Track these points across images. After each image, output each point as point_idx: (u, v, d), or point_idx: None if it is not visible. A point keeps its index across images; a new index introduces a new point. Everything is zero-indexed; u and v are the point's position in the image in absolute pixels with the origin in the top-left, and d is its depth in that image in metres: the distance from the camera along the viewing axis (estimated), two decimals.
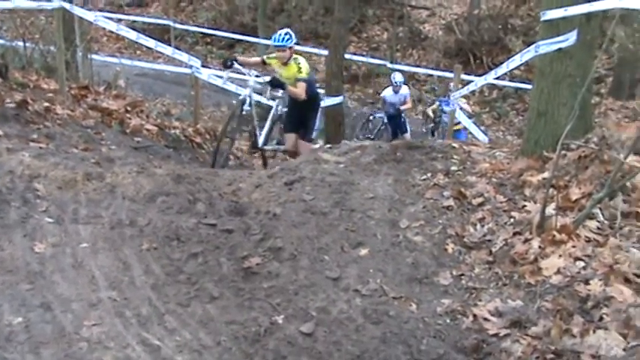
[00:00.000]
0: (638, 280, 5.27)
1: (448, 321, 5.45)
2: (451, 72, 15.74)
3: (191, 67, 13.50)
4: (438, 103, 19.56)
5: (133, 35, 12.62)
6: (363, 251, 6.27)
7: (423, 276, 5.99)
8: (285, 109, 12.27)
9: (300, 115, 11.81)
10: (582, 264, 5.58)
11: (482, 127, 20.85)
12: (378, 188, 7.30)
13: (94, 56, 17.50)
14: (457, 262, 6.15)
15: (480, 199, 6.95)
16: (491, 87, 25.01)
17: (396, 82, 19.35)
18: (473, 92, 21.13)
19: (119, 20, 24.49)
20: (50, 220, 6.51)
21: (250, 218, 6.78)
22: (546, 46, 7.34)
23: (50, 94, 10.87)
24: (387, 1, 30.18)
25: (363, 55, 26.91)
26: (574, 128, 6.34)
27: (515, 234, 6.24)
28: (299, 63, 11.28)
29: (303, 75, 11.24)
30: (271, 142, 12.31)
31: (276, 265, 6.03)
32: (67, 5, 11.49)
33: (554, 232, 5.91)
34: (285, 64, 11.38)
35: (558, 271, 5.57)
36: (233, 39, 26.28)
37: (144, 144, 10.51)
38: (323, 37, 27.60)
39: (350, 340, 5.19)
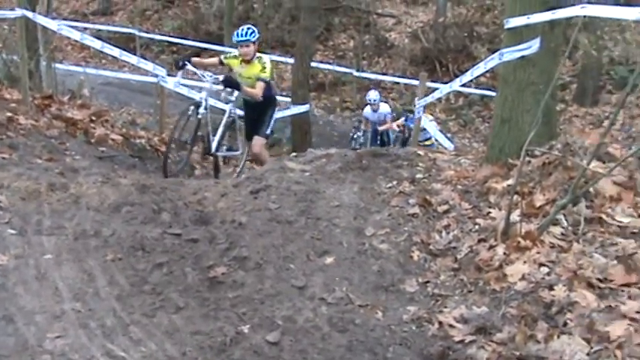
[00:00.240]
0: (601, 285, 5.30)
1: (414, 328, 5.46)
2: (417, 80, 15.78)
3: (157, 75, 13.46)
4: (403, 118, 19.06)
5: (97, 44, 12.57)
6: (329, 259, 6.27)
7: (389, 284, 6.00)
8: (240, 114, 12.03)
9: (256, 117, 11.53)
10: (546, 270, 5.61)
11: (449, 135, 20.92)
12: (344, 196, 7.31)
13: (59, 65, 17.41)
14: (423, 270, 6.17)
15: (445, 207, 6.98)
16: (457, 94, 25.11)
17: (370, 100, 19.13)
18: (439, 100, 21.20)
19: (84, 29, 24.40)
20: (13, 231, 6.46)
21: (215, 227, 6.76)
22: (510, 54, 7.39)
23: (13, 104, 10.80)
24: (353, 10, 30.23)
25: (329, 64, 26.95)
26: (539, 135, 6.38)
27: (480, 241, 6.27)
28: (264, 62, 10.91)
29: (266, 75, 10.90)
30: (222, 149, 11.78)
31: (241, 275, 6.02)
32: (29, 14, 11.42)
33: (519, 239, 5.94)
34: (249, 62, 10.96)
35: (523, 277, 5.59)
36: (199, 47, 26.18)
37: (109, 154, 10.46)
38: (289, 45, 27.57)
39: (316, 348, 5.19)
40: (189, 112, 10.69)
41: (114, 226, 6.64)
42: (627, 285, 5.27)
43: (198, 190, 7.81)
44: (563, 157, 6.68)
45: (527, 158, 6.79)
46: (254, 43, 10.92)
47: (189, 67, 11.11)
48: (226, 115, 11.59)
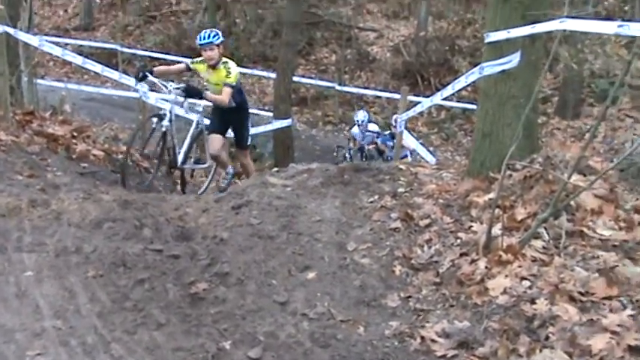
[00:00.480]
0: (583, 299, 5.31)
1: (396, 343, 5.44)
2: (399, 93, 15.73)
3: (138, 91, 13.44)
4: (380, 140, 18.66)
5: (79, 60, 12.53)
6: (311, 275, 6.26)
7: (371, 298, 5.99)
8: (207, 124, 11.51)
9: (226, 122, 11.19)
10: (528, 283, 5.61)
11: (431, 148, 20.96)
12: (326, 211, 7.30)
13: (40, 81, 17.36)
14: (404, 284, 6.16)
15: (426, 221, 6.97)
16: (440, 108, 25.19)
17: (358, 121, 18.77)
18: (421, 113, 21.22)
19: (66, 45, 24.36)
20: None
21: (197, 243, 6.75)
22: (490, 68, 7.41)
23: None
24: (334, 24, 30.32)
25: (311, 78, 27.00)
26: (520, 148, 6.41)
27: (461, 255, 6.27)
28: (229, 67, 10.49)
29: (231, 81, 10.43)
30: (189, 162, 11.38)
31: (223, 290, 6.00)
32: (11, 30, 11.38)
33: (501, 253, 5.94)
34: (214, 67, 10.56)
35: (505, 291, 5.59)
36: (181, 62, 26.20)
37: (90, 170, 10.40)
38: (271, 60, 27.61)
39: None
40: (153, 125, 10.45)
41: (95, 242, 6.61)
42: (609, 298, 5.29)
43: (179, 205, 7.80)
44: (544, 170, 6.70)
45: (509, 172, 6.81)
46: (218, 46, 10.53)
47: (150, 78, 10.70)
48: (193, 125, 11.32)
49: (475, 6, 30.00)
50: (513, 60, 7.23)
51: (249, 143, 11.69)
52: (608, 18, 21.75)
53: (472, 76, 8.69)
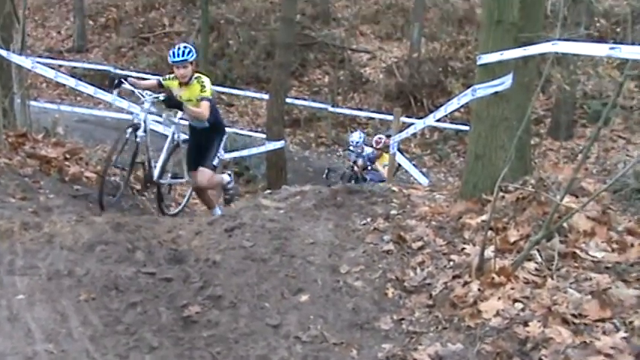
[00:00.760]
0: (576, 321, 5.31)
1: None
2: (392, 115, 15.64)
3: (132, 113, 13.42)
4: (361, 159, 18.04)
5: (71, 82, 12.57)
6: (304, 297, 6.25)
7: (364, 321, 5.98)
8: (185, 138, 10.96)
9: (202, 145, 10.58)
10: (521, 306, 5.61)
11: (424, 169, 20.98)
12: (319, 233, 7.29)
13: (33, 103, 17.32)
14: (397, 307, 6.15)
15: (419, 243, 6.96)
16: (433, 129, 25.23)
17: (353, 142, 18.38)
18: (414, 135, 21.25)
19: (59, 66, 24.38)
20: None
21: (190, 266, 6.73)
22: (483, 90, 7.43)
23: None
24: (327, 45, 30.36)
25: (304, 99, 27.02)
26: (513, 170, 6.43)
27: (454, 277, 6.26)
28: (202, 82, 9.98)
29: (207, 94, 9.95)
30: (166, 176, 10.81)
31: (215, 314, 6.00)
32: (3, 53, 11.40)
33: (493, 275, 5.94)
34: (187, 83, 10.02)
35: (497, 314, 5.59)
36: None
37: (83, 192, 10.38)
38: (264, 81, 27.64)
39: None
40: (127, 135, 9.93)
41: (88, 265, 6.60)
42: (602, 320, 5.29)
43: (172, 228, 7.77)
44: (537, 192, 6.71)
45: (501, 194, 6.82)
46: (191, 63, 10.02)
47: (125, 85, 10.30)
48: (169, 138, 10.77)
49: (468, 28, 30.08)
50: (506, 82, 7.24)
51: (215, 164, 10.79)
52: (600, 40, 21.89)
53: (465, 98, 8.71)
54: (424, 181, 13.65)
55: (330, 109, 25.31)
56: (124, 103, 13.05)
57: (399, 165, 14.89)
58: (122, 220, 7.74)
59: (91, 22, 34.14)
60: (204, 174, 10.53)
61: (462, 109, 14.93)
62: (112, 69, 25.25)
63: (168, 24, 32.86)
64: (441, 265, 6.55)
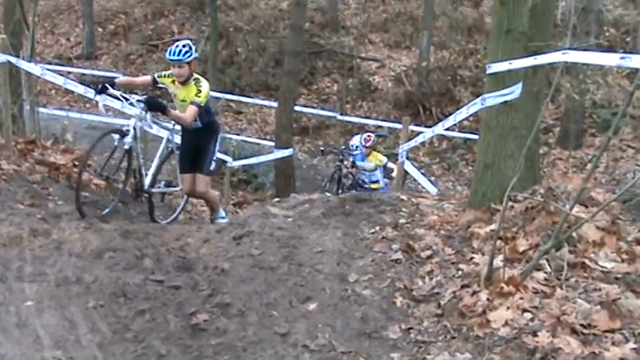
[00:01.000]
0: (585, 331, 5.29)
1: None
2: (401, 123, 15.55)
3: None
4: (351, 158, 17.32)
5: (80, 89, 12.55)
6: (312, 306, 6.24)
7: (372, 330, 5.97)
8: (178, 144, 10.27)
9: (195, 149, 9.89)
10: (530, 316, 5.60)
11: (432, 178, 20.95)
12: (327, 242, 7.28)
13: (42, 109, 17.36)
14: (406, 316, 6.14)
15: (428, 252, 6.95)
16: (441, 138, 25.18)
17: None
18: (422, 143, 21.22)
19: (68, 73, 24.39)
20: None
21: (198, 274, 6.73)
22: (492, 99, 7.41)
23: None
24: (336, 54, 30.35)
25: (313, 107, 27.00)
26: (522, 179, 6.40)
27: (463, 286, 6.24)
28: (200, 85, 9.29)
29: (200, 100, 9.21)
30: (159, 185, 10.30)
31: (224, 322, 6.00)
32: (13, 59, 11.41)
33: (502, 284, 5.92)
34: (184, 83, 9.36)
35: (506, 323, 5.57)
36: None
37: (92, 199, 10.37)
38: (273, 89, 27.65)
39: None
40: (115, 143, 9.34)
41: (96, 272, 6.60)
42: (611, 331, 5.28)
43: (180, 235, 7.77)
44: (546, 202, 6.70)
45: (510, 203, 6.80)
46: (189, 63, 9.27)
47: (110, 90, 9.47)
48: (163, 144, 10.28)
49: (477, 36, 30.04)
50: (515, 91, 7.23)
51: (212, 169, 10.18)
52: (609, 49, 21.85)
53: (474, 107, 8.68)
54: (433, 189, 13.60)
55: (339, 117, 25.24)
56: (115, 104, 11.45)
57: (407, 173, 14.81)
58: (130, 228, 7.76)
59: (100, 29, 34.22)
60: (200, 181, 9.98)
61: (470, 118, 14.93)
62: (121, 76, 25.23)
63: (177, 31, 32.84)
64: (449, 274, 6.54)
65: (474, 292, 6.07)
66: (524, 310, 5.66)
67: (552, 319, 5.45)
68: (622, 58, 6.24)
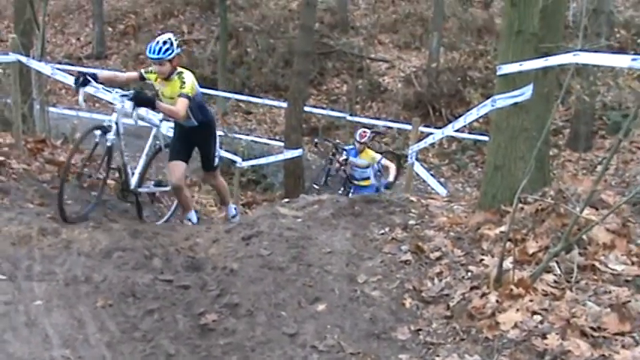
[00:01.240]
0: (595, 334, 5.27)
1: None
2: (410, 124, 15.50)
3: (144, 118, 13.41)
4: (345, 154, 16.92)
5: (90, 89, 12.55)
6: (321, 307, 6.23)
7: (381, 331, 5.95)
8: (167, 141, 10.11)
9: (189, 143, 9.68)
10: (539, 318, 5.58)
11: (442, 180, 20.92)
12: (336, 243, 7.27)
13: (52, 109, 17.41)
14: (415, 317, 6.12)
15: (437, 253, 6.94)
16: (451, 139, 25.11)
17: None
18: (432, 144, 21.19)
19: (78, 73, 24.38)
20: (3, 277, 6.43)
21: (207, 274, 6.74)
22: (502, 101, 7.39)
23: (5, 148, 10.74)
24: (346, 54, 30.34)
25: (322, 108, 26.97)
26: (532, 181, 6.39)
27: (472, 288, 6.23)
28: (183, 78, 8.93)
29: (187, 91, 8.84)
30: (147, 184, 10.11)
31: (232, 322, 5.99)
32: (23, 59, 11.43)
33: (512, 286, 5.91)
34: (167, 79, 9.02)
35: (515, 326, 5.56)
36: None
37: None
38: (283, 89, 27.65)
39: None
40: (96, 139, 8.87)
41: (105, 271, 6.61)
42: (621, 334, 5.25)
43: (189, 235, 7.78)
44: (556, 204, 6.67)
45: (520, 205, 6.78)
46: (170, 61, 8.89)
47: (93, 84, 9.01)
48: (150, 141, 10.00)
49: (487, 37, 30.00)
50: (526, 93, 7.21)
51: (216, 164, 10.05)
52: (620, 51, 21.79)
53: (484, 108, 8.66)
54: (442, 191, 13.58)
55: (349, 117, 25.17)
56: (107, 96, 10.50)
57: (417, 174, 14.76)
58: (139, 227, 7.76)
59: (110, 29, 34.29)
60: (210, 175, 10.22)
61: (480, 120, 14.91)
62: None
63: (187, 31, 32.88)
64: (459, 275, 6.52)
65: (484, 294, 6.05)
66: (534, 313, 5.64)
67: (562, 322, 5.43)
68: (633, 59, 6.21)
